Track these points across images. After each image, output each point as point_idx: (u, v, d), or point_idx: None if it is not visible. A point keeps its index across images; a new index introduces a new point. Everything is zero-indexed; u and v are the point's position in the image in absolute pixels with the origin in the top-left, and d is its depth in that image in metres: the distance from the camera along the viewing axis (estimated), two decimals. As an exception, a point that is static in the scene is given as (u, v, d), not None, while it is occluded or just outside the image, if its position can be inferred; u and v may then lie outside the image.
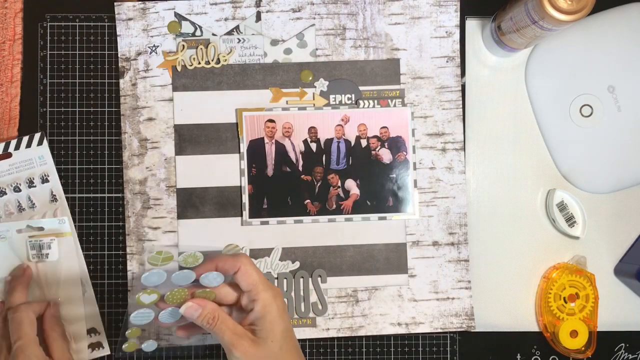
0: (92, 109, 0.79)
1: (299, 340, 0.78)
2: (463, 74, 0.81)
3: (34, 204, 0.76)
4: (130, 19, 0.78)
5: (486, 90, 0.81)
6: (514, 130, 0.81)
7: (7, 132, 0.78)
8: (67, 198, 0.78)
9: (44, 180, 0.76)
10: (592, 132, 0.79)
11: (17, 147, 0.76)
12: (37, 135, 0.76)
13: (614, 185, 0.80)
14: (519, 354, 0.80)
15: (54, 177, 0.76)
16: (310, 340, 0.79)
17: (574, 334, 0.78)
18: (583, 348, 0.78)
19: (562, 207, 0.79)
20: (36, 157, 0.76)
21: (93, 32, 0.79)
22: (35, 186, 0.76)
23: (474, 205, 0.80)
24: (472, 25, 0.81)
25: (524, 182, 0.81)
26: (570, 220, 0.79)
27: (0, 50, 0.79)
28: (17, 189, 0.75)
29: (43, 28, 0.79)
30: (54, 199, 0.76)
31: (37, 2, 0.80)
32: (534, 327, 0.80)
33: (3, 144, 0.75)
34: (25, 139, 0.76)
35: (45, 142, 0.76)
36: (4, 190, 0.75)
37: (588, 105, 0.78)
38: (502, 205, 0.81)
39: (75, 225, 0.78)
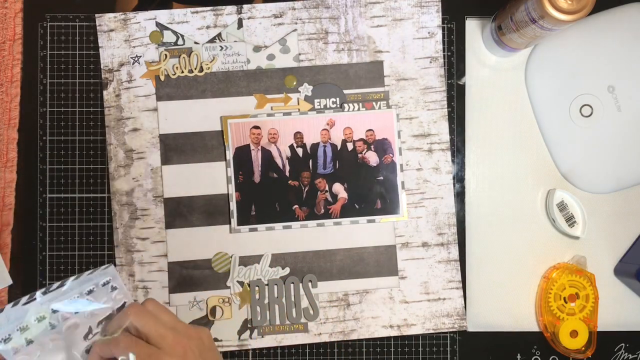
0: (92, 109, 0.79)
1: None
2: (463, 74, 0.80)
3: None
4: (111, 30, 0.78)
5: (486, 90, 0.81)
6: (514, 130, 0.81)
7: (7, 132, 0.78)
8: (66, 198, 0.78)
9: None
10: (592, 132, 0.79)
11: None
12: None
13: (614, 185, 0.80)
14: (519, 354, 0.80)
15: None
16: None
17: (574, 334, 0.78)
18: (583, 348, 0.78)
19: (562, 207, 0.79)
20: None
21: (93, 32, 0.79)
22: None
23: (474, 205, 0.80)
24: (472, 25, 0.81)
25: (524, 182, 0.81)
26: (570, 220, 0.79)
27: (0, 50, 0.78)
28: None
29: (43, 28, 0.79)
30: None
31: (37, 2, 0.79)
32: (534, 327, 0.80)
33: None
34: None
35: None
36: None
37: (588, 105, 0.78)
38: (502, 205, 0.80)
39: (74, 226, 0.78)
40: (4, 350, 0.64)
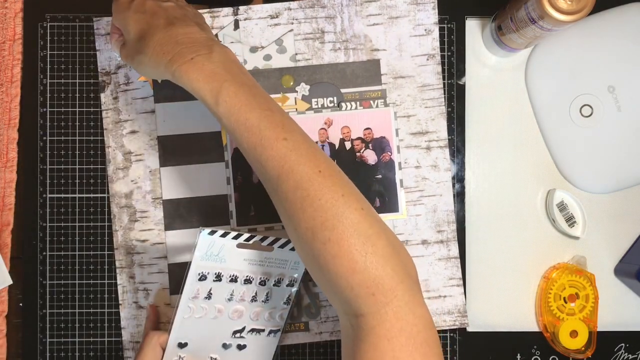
0: (92, 109, 0.79)
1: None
2: (463, 73, 0.81)
3: (268, 298, 0.73)
4: (109, 34, 0.79)
5: (486, 90, 0.81)
6: (514, 130, 0.81)
7: (7, 132, 0.78)
8: (66, 198, 0.79)
9: (290, 284, 0.74)
10: (592, 132, 0.79)
11: (282, 246, 0.71)
12: None
13: (614, 185, 0.80)
14: (519, 354, 0.80)
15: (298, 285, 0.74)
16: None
17: (574, 334, 0.77)
18: (583, 348, 0.78)
19: (562, 207, 0.79)
20: (292, 262, 0.72)
21: (93, 33, 0.80)
22: (279, 286, 0.73)
23: (474, 205, 0.80)
24: (472, 25, 0.81)
25: (524, 182, 0.81)
26: (570, 220, 0.79)
27: (0, 50, 0.79)
28: (262, 283, 0.72)
29: (43, 28, 0.80)
30: (287, 301, 0.74)
31: (37, 2, 0.80)
32: (534, 327, 0.80)
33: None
34: None
35: None
36: (249, 278, 0.71)
37: (588, 105, 0.78)
38: (502, 205, 0.80)
39: (75, 226, 0.78)
40: (190, 286, 0.67)
